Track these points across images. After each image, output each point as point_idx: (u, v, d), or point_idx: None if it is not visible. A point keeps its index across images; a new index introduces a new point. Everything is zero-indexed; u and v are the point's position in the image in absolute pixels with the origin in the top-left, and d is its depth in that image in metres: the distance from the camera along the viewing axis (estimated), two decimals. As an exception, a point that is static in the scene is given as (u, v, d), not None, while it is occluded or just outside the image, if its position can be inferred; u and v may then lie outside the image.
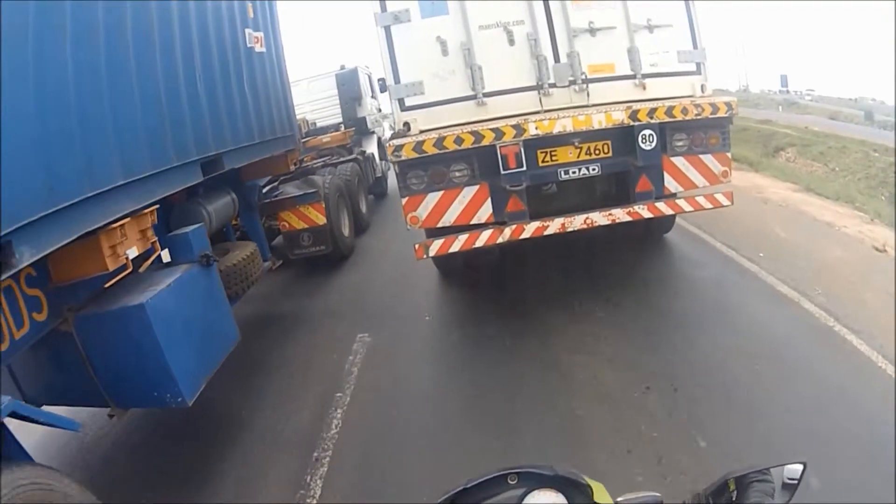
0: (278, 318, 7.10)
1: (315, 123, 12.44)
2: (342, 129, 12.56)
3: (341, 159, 10.82)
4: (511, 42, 5.33)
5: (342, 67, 13.38)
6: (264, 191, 7.89)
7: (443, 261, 6.49)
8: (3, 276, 2.99)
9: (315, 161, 10.52)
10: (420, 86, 5.32)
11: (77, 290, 3.82)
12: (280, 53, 7.57)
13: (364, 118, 13.36)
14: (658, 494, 1.24)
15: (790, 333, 5.01)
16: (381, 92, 14.76)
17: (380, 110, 14.64)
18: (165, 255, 4.45)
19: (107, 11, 3.88)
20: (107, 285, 3.83)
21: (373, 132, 13.75)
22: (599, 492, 1.22)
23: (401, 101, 5.36)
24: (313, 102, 12.67)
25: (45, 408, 3.65)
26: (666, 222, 6.93)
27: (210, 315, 4.58)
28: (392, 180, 14.51)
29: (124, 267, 3.89)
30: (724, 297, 5.77)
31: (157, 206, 4.28)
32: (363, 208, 10.88)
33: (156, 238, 4.23)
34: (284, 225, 7.90)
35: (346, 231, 8.97)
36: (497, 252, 6.51)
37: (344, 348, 5.82)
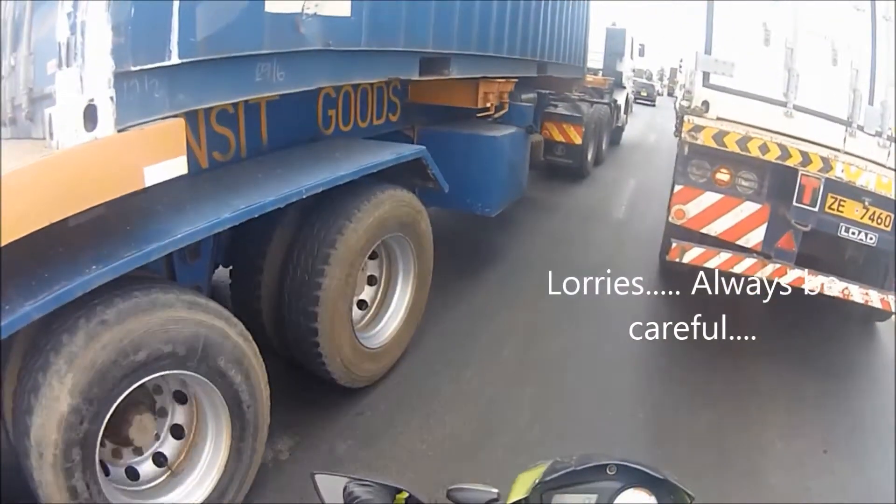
0: (535, 200, 9.04)
1: (577, 64, 14.07)
2: (600, 75, 14.05)
3: (596, 100, 12.24)
4: (834, 62, 4.72)
5: (613, 24, 14.69)
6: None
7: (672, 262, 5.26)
8: (435, 77, 4.59)
9: (573, 95, 12.21)
10: (730, 67, 4.73)
11: (421, 112, 5.46)
12: (588, 5, 9.46)
13: (621, 73, 14.71)
14: None
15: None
16: (640, 56, 16.24)
17: (633, 71, 16.07)
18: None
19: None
20: (479, 115, 5.78)
21: (624, 87, 15.11)
22: None
23: (705, 76, 4.77)
24: (581, 46, 14.26)
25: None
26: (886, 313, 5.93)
27: (519, 166, 6.58)
28: (627, 133, 16.03)
29: (485, 109, 5.73)
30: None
31: (517, 80, 6.27)
32: (602, 146, 12.47)
33: (507, 101, 6.23)
34: (546, 133, 9.66)
35: (589, 157, 10.74)
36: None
37: (581, 233, 7.86)
